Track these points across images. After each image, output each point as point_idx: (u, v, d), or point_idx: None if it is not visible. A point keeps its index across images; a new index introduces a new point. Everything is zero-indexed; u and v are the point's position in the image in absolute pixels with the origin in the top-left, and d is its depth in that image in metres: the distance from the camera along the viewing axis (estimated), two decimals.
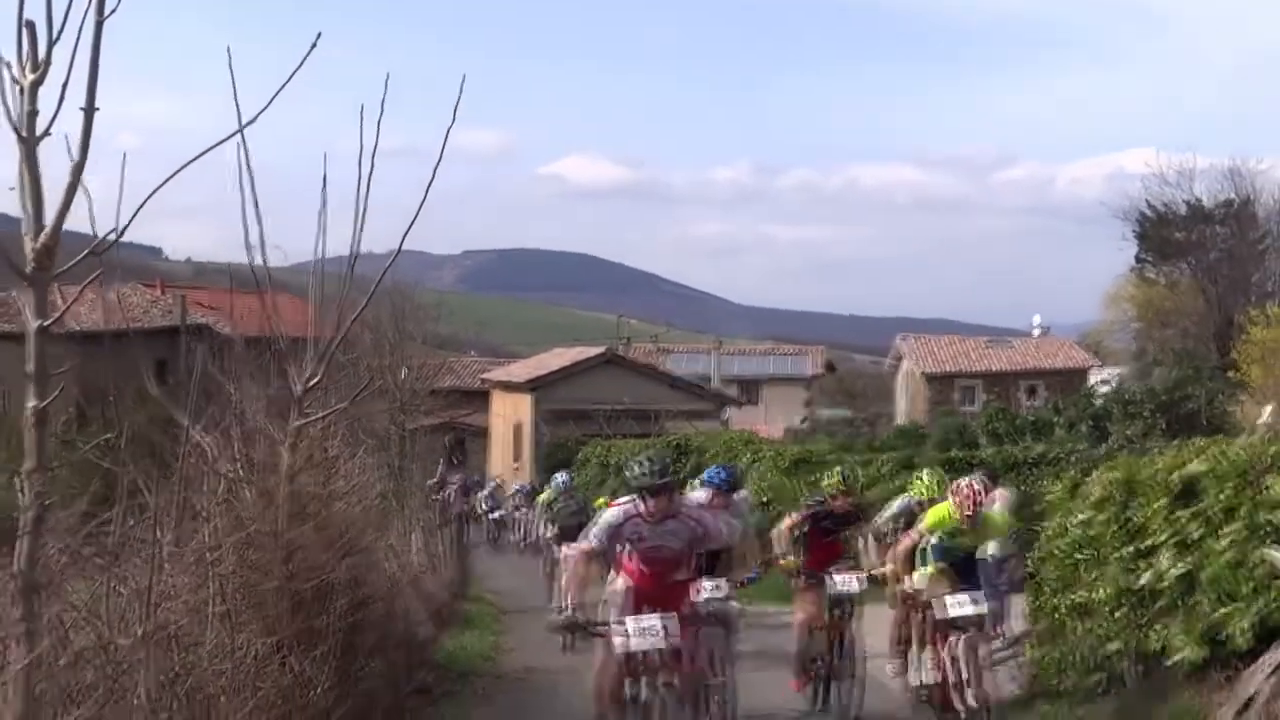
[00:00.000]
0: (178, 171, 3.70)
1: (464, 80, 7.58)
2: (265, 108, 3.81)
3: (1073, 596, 11.39)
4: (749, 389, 66.44)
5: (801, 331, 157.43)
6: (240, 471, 8.62)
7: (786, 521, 12.74)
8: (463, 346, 75.98)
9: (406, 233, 7.97)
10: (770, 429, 52.26)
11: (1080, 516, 11.32)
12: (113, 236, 3.33)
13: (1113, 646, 10.87)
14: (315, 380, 8.24)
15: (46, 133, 3.28)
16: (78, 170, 3.32)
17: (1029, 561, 12.88)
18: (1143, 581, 10.44)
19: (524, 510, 34.76)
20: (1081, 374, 62.85)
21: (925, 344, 69.02)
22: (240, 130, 4.45)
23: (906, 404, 67.22)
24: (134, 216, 3.45)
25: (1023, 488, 18.67)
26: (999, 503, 16.20)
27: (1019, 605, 14.89)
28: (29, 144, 3.26)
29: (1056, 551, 11.74)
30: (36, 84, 3.25)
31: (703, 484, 12.56)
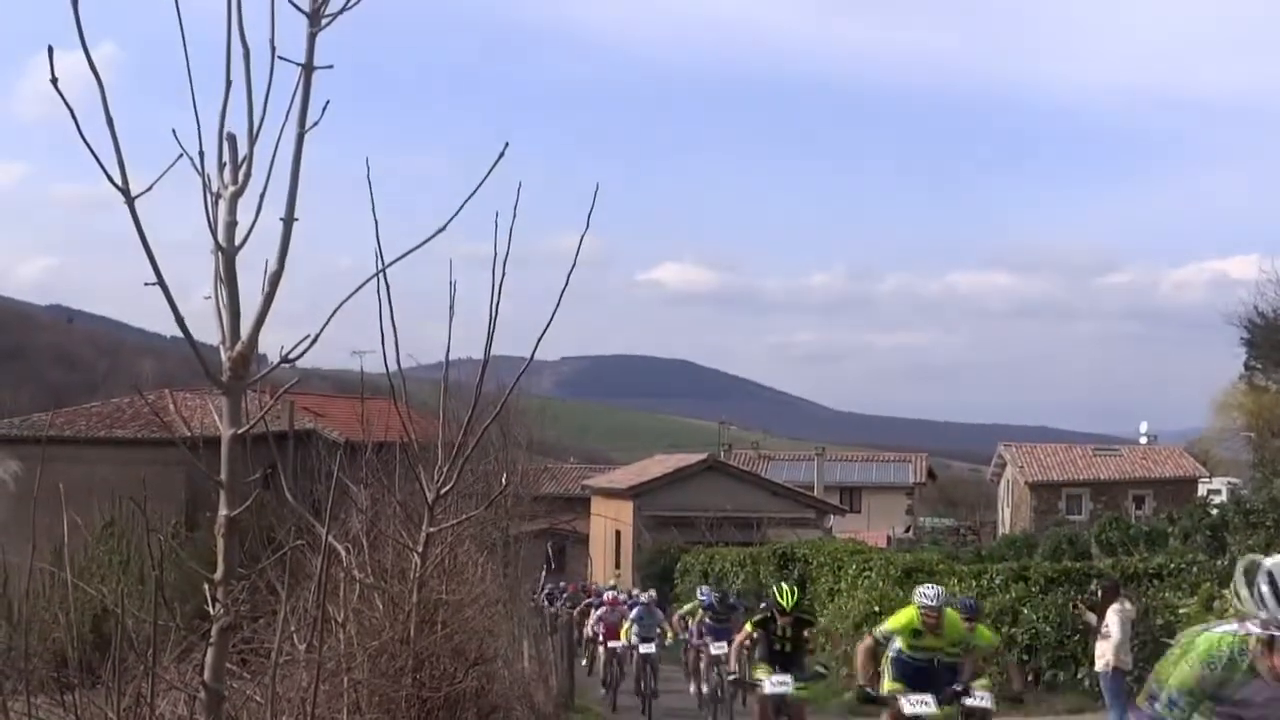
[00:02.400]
0: (362, 286, 3.72)
1: (597, 189, 7.55)
2: (438, 232, 3.81)
3: None
4: (850, 496, 65.75)
5: (899, 438, 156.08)
6: (370, 578, 8.62)
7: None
8: (562, 453, 76.18)
9: (540, 338, 7.95)
10: (873, 537, 51.59)
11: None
12: (305, 344, 3.34)
13: None
14: (449, 487, 8.23)
15: (244, 243, 3.31)
16: (274, 280, 3.34)
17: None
18: None
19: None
20: (1191, 483, 61.52)
21: (1029, 452, 68.00)
22: (387, 265, 4.45)
23: (1010, 513, 66.14)
24: (325, 325, 3.46)
25: (1143, 600, 18.22)
26: (1116, 616, 15.84)
27: None
28: (228, 254, 3.29)
29: None
30: (237, 195, 3.29)
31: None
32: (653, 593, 28.22)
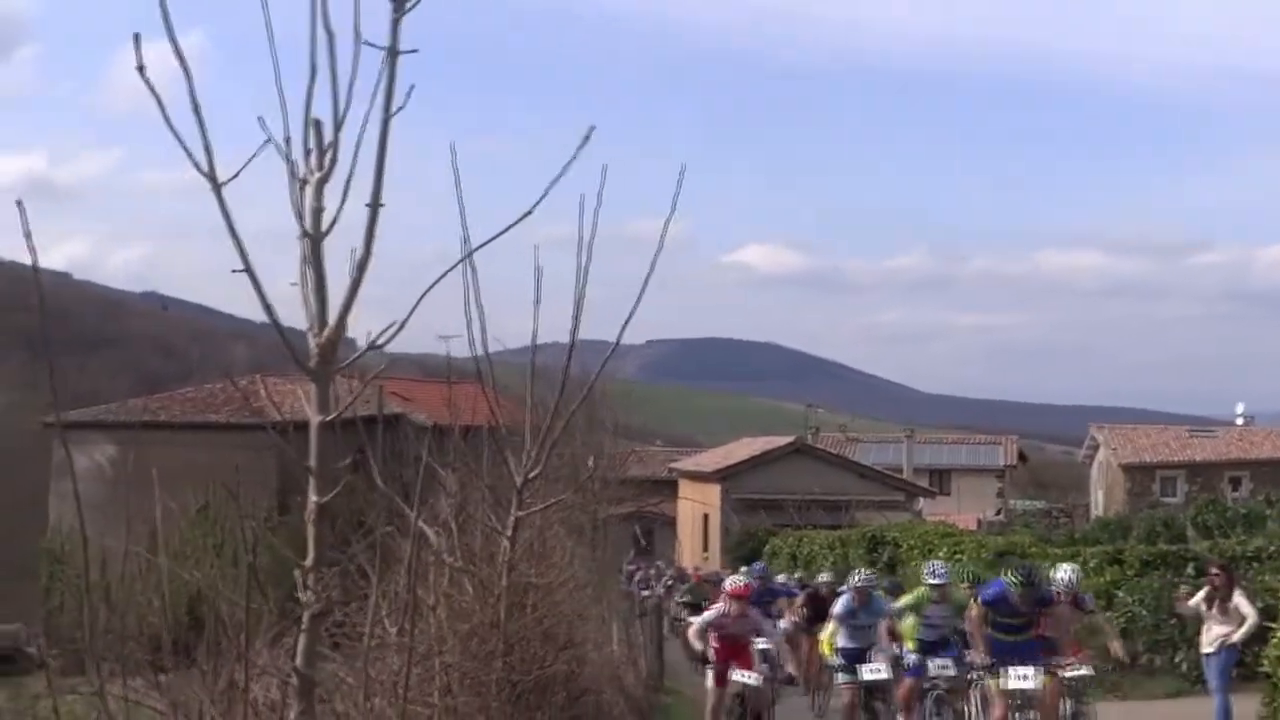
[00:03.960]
0: (451, 270, 3.70)
1: (683, 171, 7.50)
2: (526, 214, 3.78)
3: None
4: (940, 479, 65.19)
5: (987, 420, 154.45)
6: (459, 562, 8.65)
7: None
8: (649, 436, 76.19)
9: (627, 322, 7.94)
10: (963, 520, 51.15)
11: None
12: (393, 330, 3.33)
13: None
14: (537, 470, 8.24)
15: (331, 229, 3.31)
16: (361, 266, 3.34)
17: (1264, 661, 12.22)
18: None
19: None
20: None
21: (1122, 434, 66.99)
22: (471, 248, 4.42)
23: (1103, 495, 65.26)
24: (413, 311, 3.46)
25: (1242, 583, 17.86)
26: (1243, 597, 15.48)
27: (1249, 707, 14.21)
28: (315, 240, 3.29)
29: None
30: (323, 181, 3.29)
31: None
32: (866, 573, 17.55)
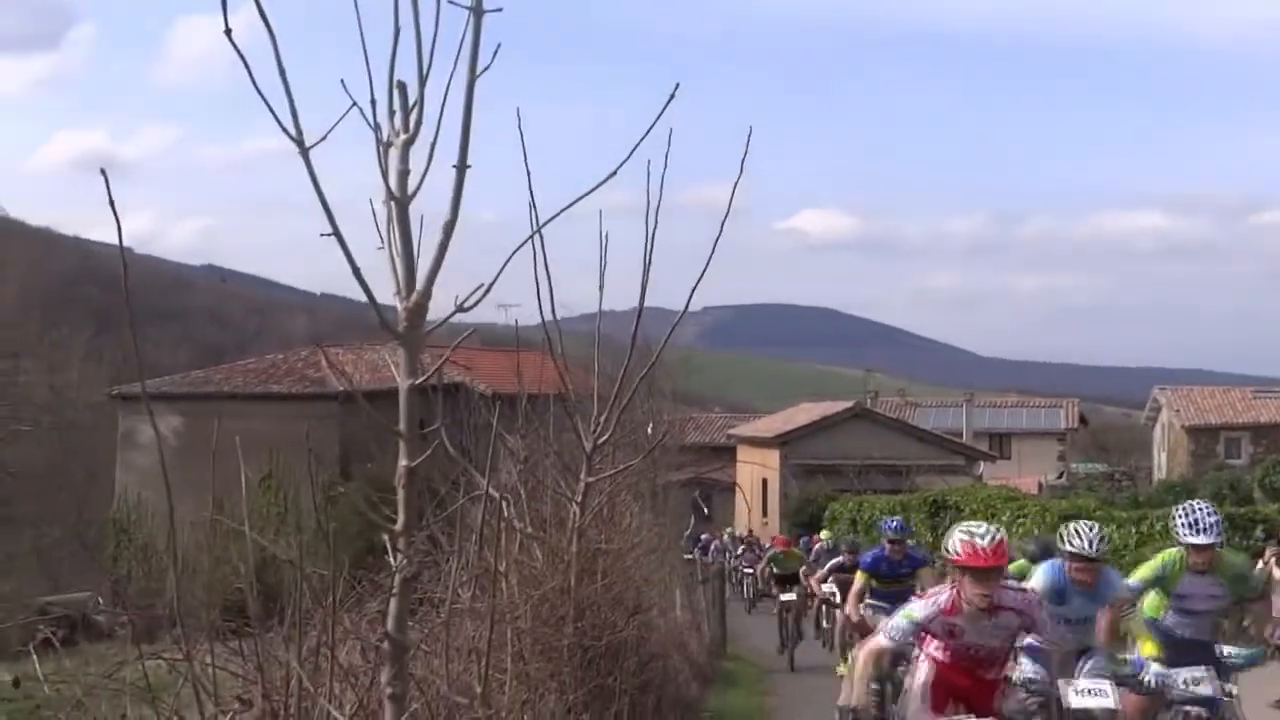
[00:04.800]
0: (530, 237, 3.68)
1: (750, 133, 7.41)
2: (609, 176, 3.74)
3: None
4: (1000, 443, 64.77)
5: (1047, 383, 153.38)
6: (530, 528, 8.67)
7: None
8: (707, 403, 76.19)
9: (695, 288, 7.90)
10: (1024, 483, 50.83)
11: None
12: (479, 294, 3.31)
13: None
14: (606, 436, 8.23)
15: (417, 191, 3.29)
16: (449, 229, 3.31)
17: None
18: None
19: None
20: None
21: (1185, 395, 66.27)
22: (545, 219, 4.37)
23: (1166, 457, 64.66)
24: (498, 275, 3.44)
25: None
26: None
27: None
28: (401, 204, 3.27)
29: None
30: (409, 143, 3.26)
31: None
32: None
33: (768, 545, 33.28)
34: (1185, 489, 41.22)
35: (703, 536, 42.36)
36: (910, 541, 15.40)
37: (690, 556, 33.33)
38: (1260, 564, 15.74)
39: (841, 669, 14.97)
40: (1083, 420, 74.07)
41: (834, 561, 18.74)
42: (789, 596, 22.33)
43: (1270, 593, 13.69)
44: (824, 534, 30.02)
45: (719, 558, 37.90)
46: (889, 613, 9.20)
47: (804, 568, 22.87)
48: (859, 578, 14.33)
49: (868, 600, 14.08)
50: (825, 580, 18.86)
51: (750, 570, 35.21)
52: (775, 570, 24.35)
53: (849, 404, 55.41)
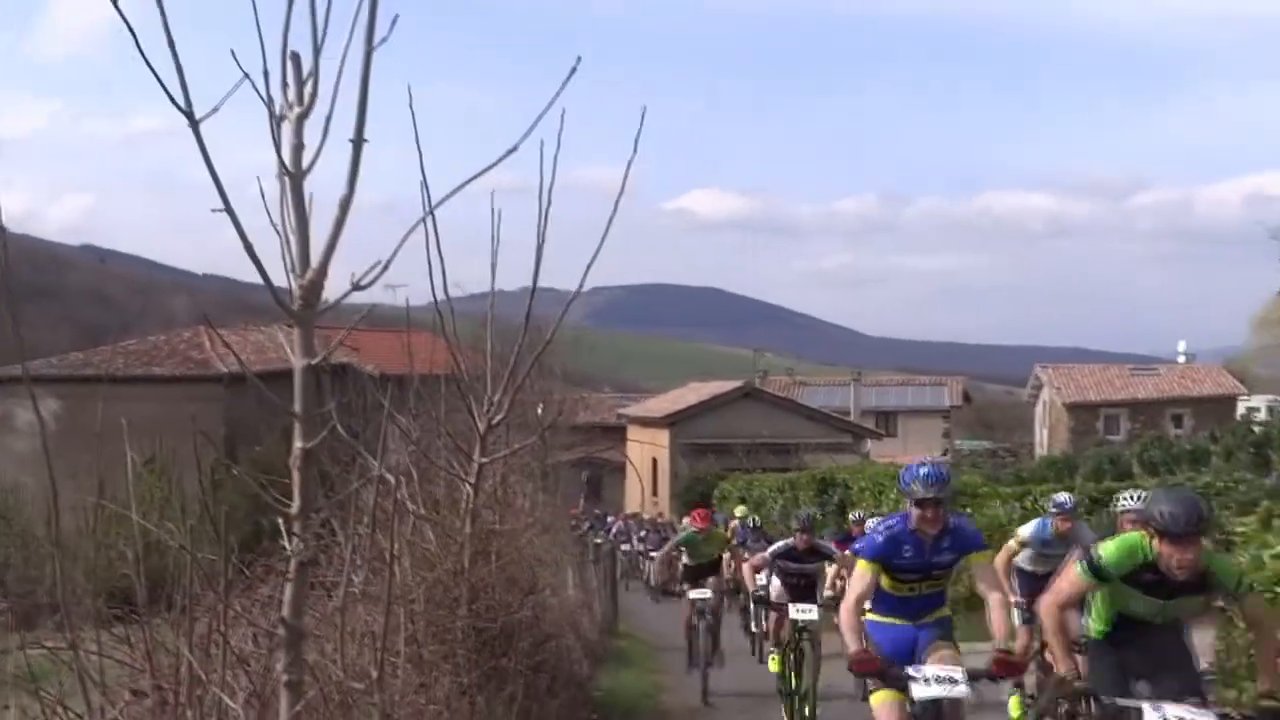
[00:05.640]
0: (427, 215, 3.60)
1: (644, 112, 7.36)
2: (509, 152, 3.68)
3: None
4: (887, 421, 65.60)
5: (932, 362, 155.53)
6: (423, 509, 8.58)
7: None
8: (597, 383, 76.17)
9: (589, 266, 7.83)
10: (910, 460, 51.37)
11: (1277, 549, 10.83)
12: (376, 271, 3.23)
13: None
14: (501, 416, 8.16)
15: (311, 167, 3.20)
16: (345, 204, 3.22)
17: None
18: None
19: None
20: (1230, 401, 61.25)
21: (1066, 373, 67.62)
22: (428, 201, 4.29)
23: (1047, 434, 65.93)
24: (395, 253, 3.35)
25: None
26: None
27: (1204, 641, 14.37)
28: (296, 179, 3.18)
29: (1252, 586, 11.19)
30: (303, 117, 3.17)
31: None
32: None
33: (685, 523, 29.34)
34: (1066, 464, 42.09)
35: (609, 518, 42.07)
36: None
37: (598, 541, 32.89)
38: None
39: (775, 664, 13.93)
40: (967, 398, 75.19)
41: (780, 545, 14.42)
42: (701, 594, 16.16)
43: None
44: (740, 510, 27.07)
45: (621, 540, 36.83)
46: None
47: (727, 553, 18.40)
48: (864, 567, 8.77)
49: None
50: (763, 569, 15.26)
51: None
52: (687, 560, 17.24)
53: (738, 383, 55.74)
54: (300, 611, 3.28)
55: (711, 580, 16.57)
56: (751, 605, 19.08)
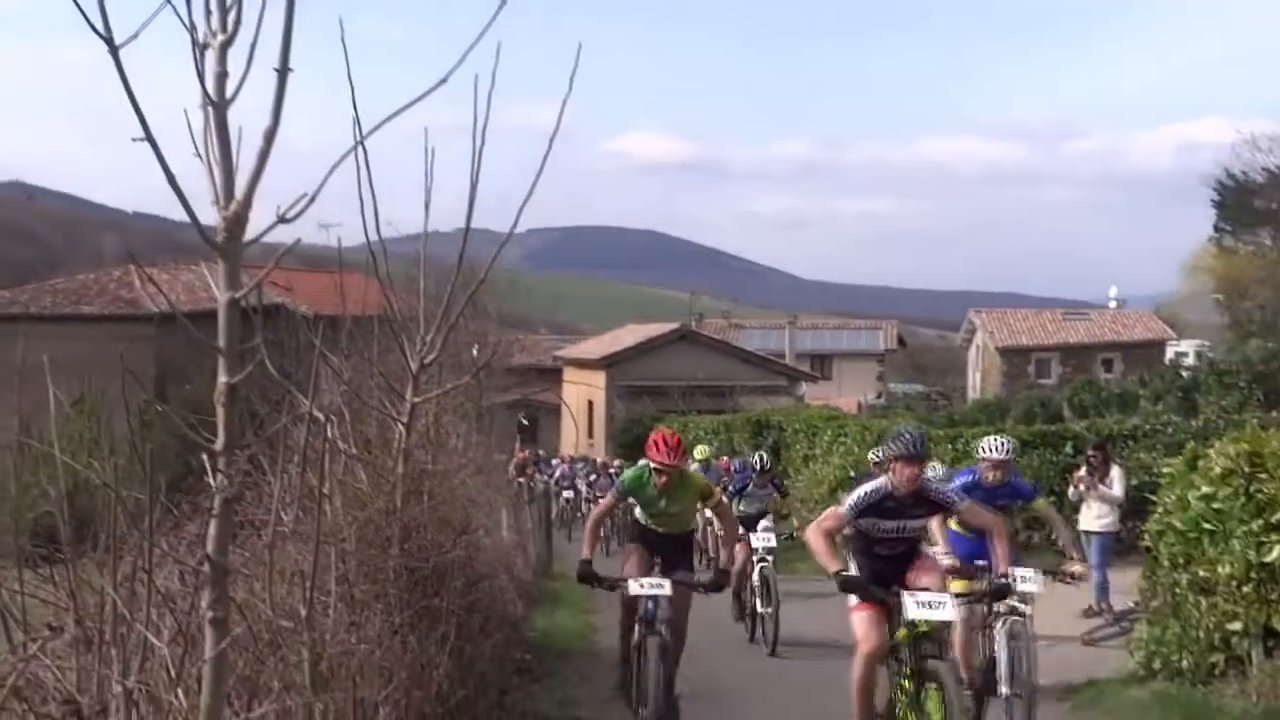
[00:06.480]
0: (355, 148, 3.54)
1: (580, 49, 7.26)
2: (439, 83, 3.61)
3: (1193, 573, 11.09)
4: (822, 364, 66.01)
5: (868, 306, 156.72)
6: (354, 449, 8.52)
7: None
8: (532, 324, 76.05)
9: (523, 207, 7.76)
10: (844, 403, 51.86)
11: (1202, 490, 10.99)
12: (303, 203, 3.17)
13: (1236, 625, 10.57)
14: (434, 356, 8.11)
15: (235, 96, 3.13)
16: (270, 135, 3.16)
17: (1144, 535, 12.53)
18: (1271, 557, 10.16)
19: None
20: (1159, 346, 62.08)
21: (999, 317, 68.27)
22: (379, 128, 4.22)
23: (980, 378, 66.60)
24: (322, 184, 3.29)
25: (1118, 461, 18.32)
26: (1120, 477, 15.97)
27: (1128, 580, 14.63)
28: (219, 108, 3.11)
29: (1176, 526, 11.41)
30: (226, 44, 3.10)
31: None
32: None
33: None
34: (998, 408, 42.46)
35: (554, 461, 41.56)
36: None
37: (543, 482, 32.27)
38: (1070, 492, 16.36)
39: None
40: (901, 342, 75.79)
41: (867, 491, 8.53)
42: (656, 589, 9.82)
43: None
44: (702, 451, 22.65)
45: (564, 485, 35.46)
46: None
47: (708, 511, 13.30)
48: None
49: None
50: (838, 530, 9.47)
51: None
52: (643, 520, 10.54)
53: (674, 326, 55.87)
54: (225, 548, 3.25)
55: (678, 568, 10.36)
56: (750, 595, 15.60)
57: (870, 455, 11.38)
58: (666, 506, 10.25)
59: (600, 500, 17.52)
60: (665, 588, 9.78)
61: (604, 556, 20.64)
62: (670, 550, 10.52)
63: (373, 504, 8.19)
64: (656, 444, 9.97)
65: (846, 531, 9.00)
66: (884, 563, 8.59)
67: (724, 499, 11.92)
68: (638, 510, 10.63)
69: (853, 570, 8.39)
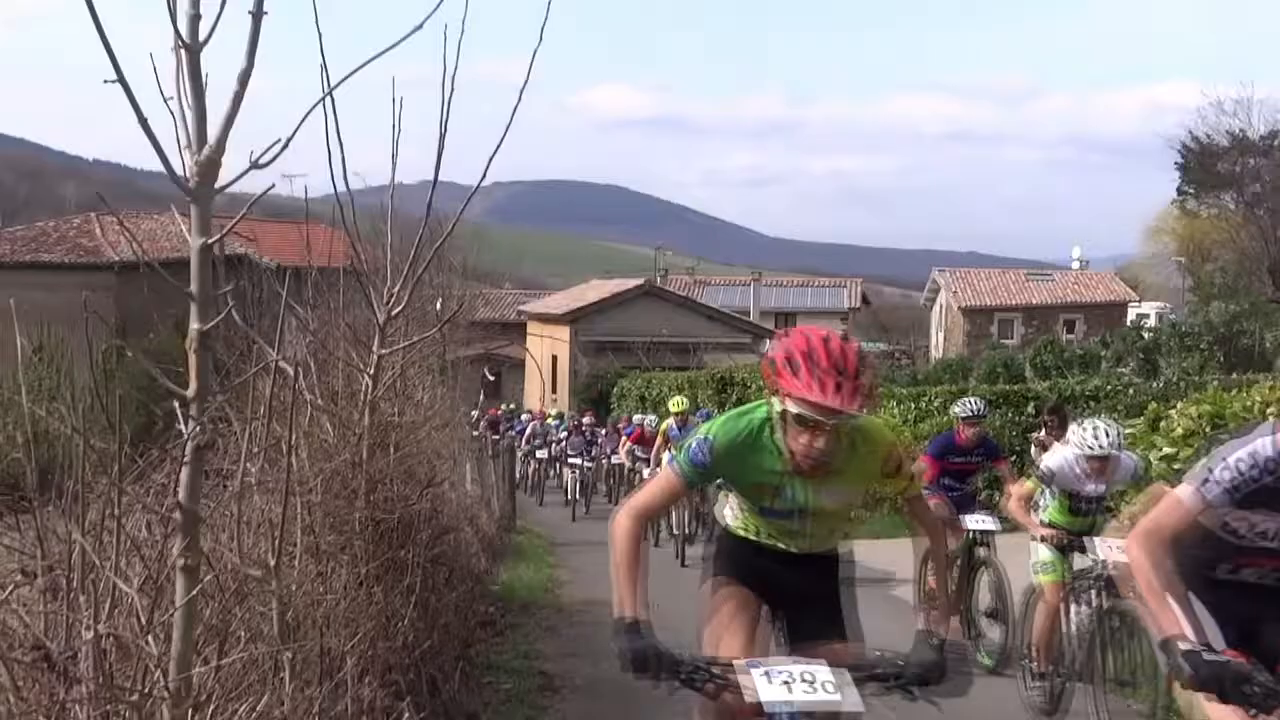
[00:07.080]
0: (325, 96, 3.51)
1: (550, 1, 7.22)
2: (415, 30, 3.59)
3: None
4: (785, 321, 66.02)
5: (831, 264, 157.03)
6: (320, 400, 8.49)
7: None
8: (497, 278, 75.86)
9: (492, 158, 7.73)
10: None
11: (1164, 451, 11.10)
12: (276, 148, 3.15)
13: None
14: (400, 307, 8.08)
15: (209, 38, 3.10)
16: (244, 78, 3.13)
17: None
18: None
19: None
20: (1121, 308, 62.47)
21: (963, 277, 68.55)
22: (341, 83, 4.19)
23: (943, 337, 66.90)
24: (296, 130, 3.27)
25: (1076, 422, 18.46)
26: None
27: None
28: (193, 51, 3.08)
29: None
30: None
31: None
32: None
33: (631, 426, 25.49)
34: (961, 367, 42.74)
35: (524, 416, 39.96)
36: None
37: (495, 437, 31.07)
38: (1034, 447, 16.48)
39: None
40: (865, 300, 75.94)
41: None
42: (806, 688, 4.30)
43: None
44: (677, 401, 20.80)
45: (535, 444, 33.22)
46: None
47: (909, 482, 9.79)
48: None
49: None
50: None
51: (582, 462, 27.50)
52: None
53: (639, 282, 55.86)
54: (196, 496, 3.23)
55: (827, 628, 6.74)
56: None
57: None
58: (815, 501, 4.97)
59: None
60: (839, 695, 4.26)
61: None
62: (803, 586, 5.13)
63: (339, 456, 8.17)
64: (805, 357, 4.59)
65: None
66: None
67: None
68: (730, 508, 5.42)
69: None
